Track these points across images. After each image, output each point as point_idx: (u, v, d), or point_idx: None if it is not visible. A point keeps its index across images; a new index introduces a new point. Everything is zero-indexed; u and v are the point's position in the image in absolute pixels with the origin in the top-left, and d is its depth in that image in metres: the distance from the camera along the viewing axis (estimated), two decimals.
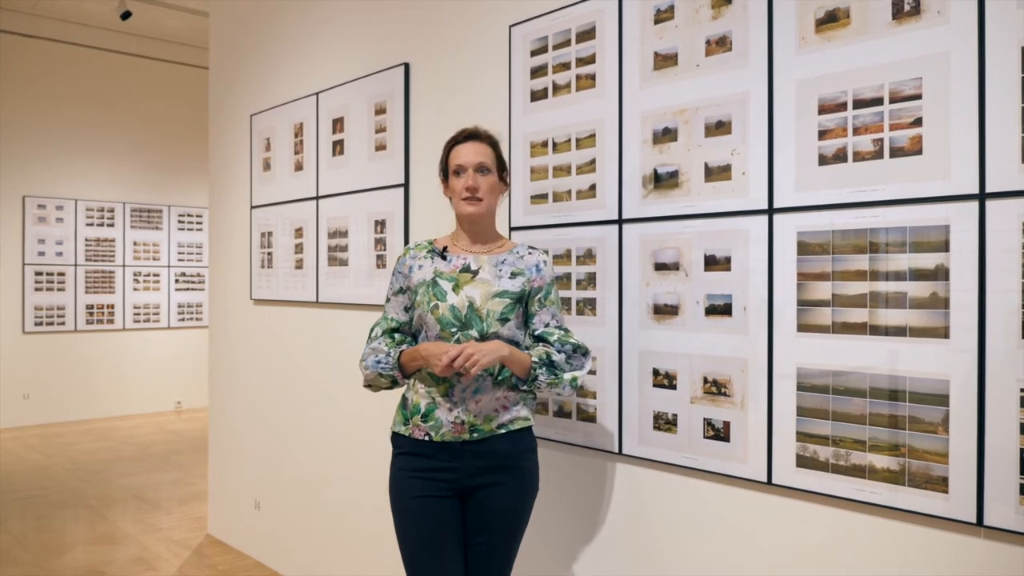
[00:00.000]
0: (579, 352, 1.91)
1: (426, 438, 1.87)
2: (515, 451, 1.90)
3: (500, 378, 1.87)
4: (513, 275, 1.91)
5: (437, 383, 1.87)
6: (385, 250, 2.94)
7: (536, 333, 1.92)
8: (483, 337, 1.85)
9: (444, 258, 1.94)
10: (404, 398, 1.96)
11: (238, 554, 3.82)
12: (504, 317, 1.87)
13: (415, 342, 1.96)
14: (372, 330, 2.00)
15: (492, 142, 1.95)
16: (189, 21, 7.20)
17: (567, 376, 1.88)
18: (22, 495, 4.86)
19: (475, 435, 1.86)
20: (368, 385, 1.97)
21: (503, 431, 1.88)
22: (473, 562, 1.88)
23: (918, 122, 1.53)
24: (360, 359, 1.95)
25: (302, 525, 3.39)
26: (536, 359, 1.87)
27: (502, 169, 1.97)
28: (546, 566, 2.29)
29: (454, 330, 1.85)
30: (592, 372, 2.13)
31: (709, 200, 1.88)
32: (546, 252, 1.99)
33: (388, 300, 2.01)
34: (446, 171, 1.97)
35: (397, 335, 1.97)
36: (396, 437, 1.94)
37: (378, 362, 1.92)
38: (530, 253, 1.97)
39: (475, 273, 1.91)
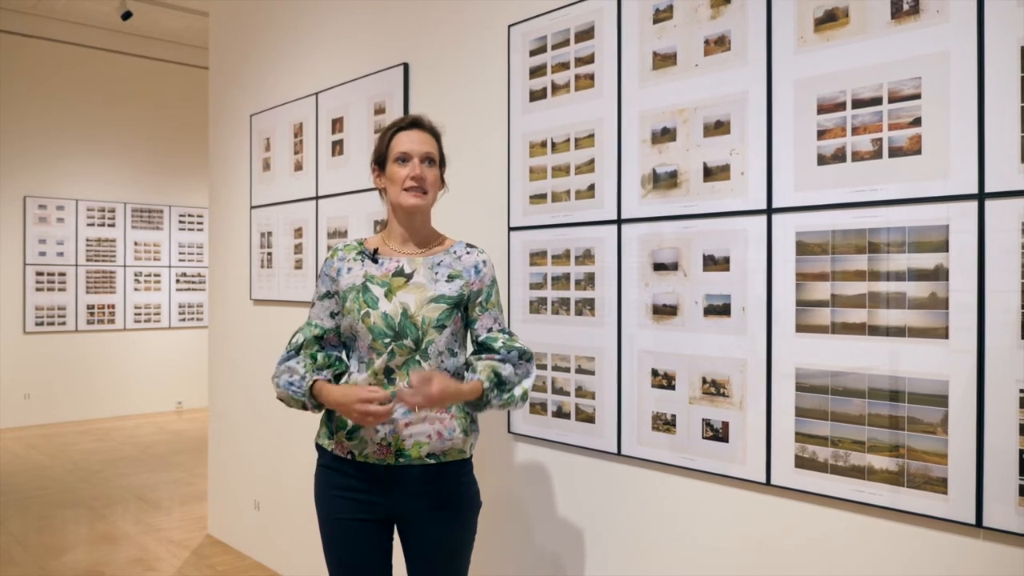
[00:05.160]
0: (525, 358, 1.78)
1: (349, 456, 1.74)
2: (446, 481, 1.74)
3: None
4: (450, 278, 1.76)
5: None
6: None
7: (479, 339, 1.79)
8: (418, 346, 1.71)
9: (375, 261, 1.78)
10: (329, 410, 1.80)
11: (238, 554, 3.82)
12: (441, 324, 1.72)
13: (342, 352, 1.82)
14: (293, 336, 1.82)
15: (437, 134, 1.83)
16: (189, 21, 7.20)
17: (518, 392, 1.75)
18: (22, 495, 4.86)
19: (401, 460, 1.70)
20: (281, 399, 1.80)
21: (433, 461, 1.72)
22: None
23: (917, 122, 1.53)
24: (273, 374, 1.79)
25: (302, 525, 3.39)
26: (487, 383, 1.70)
27: (443, 165, 1.85)
28: (544, 567, 2.28)
29: (387, 340, 1.70)
30: (591, 372, 2.13)
31: (708, 200, 1.87)
32: (484, 251, 1.85)
33: (313, 304, 1.84)
34: (383, 159, 1.79)
35: (320, 355, 1.79)
36: (319, 448, 1.82)
37: (291, 383, 1.76)
38: (468, 253, 1.81)
39: (409, 277, 1.75)
